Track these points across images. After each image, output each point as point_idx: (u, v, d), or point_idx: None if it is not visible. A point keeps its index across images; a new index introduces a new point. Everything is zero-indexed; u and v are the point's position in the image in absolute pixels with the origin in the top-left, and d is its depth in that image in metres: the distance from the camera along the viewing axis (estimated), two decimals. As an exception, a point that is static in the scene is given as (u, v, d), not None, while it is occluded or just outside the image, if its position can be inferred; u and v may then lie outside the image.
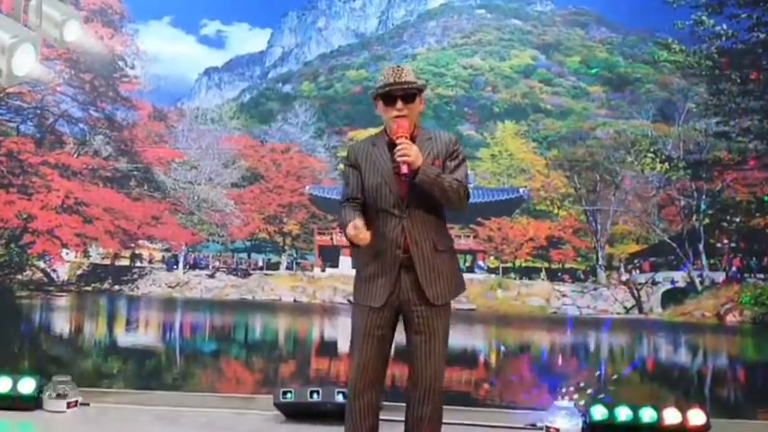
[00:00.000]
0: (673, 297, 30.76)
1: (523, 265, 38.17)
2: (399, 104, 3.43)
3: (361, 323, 3.57)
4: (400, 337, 3.71)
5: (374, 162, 3.51)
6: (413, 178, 3.30)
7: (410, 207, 3.45)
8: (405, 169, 3.25)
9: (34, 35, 3.67)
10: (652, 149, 27.66)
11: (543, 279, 37.53)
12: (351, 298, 3.75)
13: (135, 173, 38.65)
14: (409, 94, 3.47)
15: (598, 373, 9.88)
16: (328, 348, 13.47)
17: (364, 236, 3.32)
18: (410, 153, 3.27)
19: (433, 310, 3.48)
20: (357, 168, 3.56)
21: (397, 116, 3.43)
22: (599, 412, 6.40)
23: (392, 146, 3.42)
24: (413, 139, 3.44)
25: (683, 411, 6.37)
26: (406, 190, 3.35)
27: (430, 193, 3.37)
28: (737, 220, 15.04)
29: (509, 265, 37.31)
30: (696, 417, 6.35)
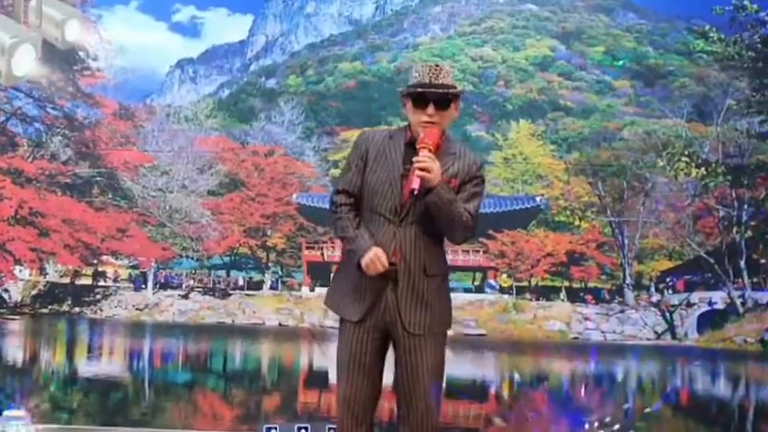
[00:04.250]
0: (710, 320, 30.70)
1: (540, 283, 37.95)
2: (431, 110, 3.38)
3: (345, 348, 3.54)
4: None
5: (386, 156, 3.46)
6: (424, 196, 3.27)
7: (408, 217, 3.42)
8: (416, 184, 3.22)
9: (34, 35, 3.84)
10: (687, 152, 27.55)
11: (563, 300, 37.54)
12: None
13: (98, 179, 38.53)
14: (444, 99, 3.43)
15: (625, 406, 9.90)
16: (318, 379, 13.47)
17: (380, 267, 3.35)
18: (431, 168, 3.23)
19: (420, 336, 3.47)
20: (364, 160, 3.54)
21: (427, 122, 3.39)
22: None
23: (412, 145, 3.40)
24: (437, 148, 3.42)
25: (723, 451, 6.37)
26: (410, 197, 3.32)
27: (434, 213, 3.36)
28: (785, 232, 15.02)
29: (524, 284, 37.04)
30: (737, 457, 6.36)
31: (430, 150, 3.19)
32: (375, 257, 3.29)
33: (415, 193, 3.18)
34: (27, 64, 3.81)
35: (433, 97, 3.31)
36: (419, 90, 3.32)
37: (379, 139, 3.49)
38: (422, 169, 3.15)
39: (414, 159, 3.19)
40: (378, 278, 3.33)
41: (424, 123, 3.32)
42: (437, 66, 3.38)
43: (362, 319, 3.38)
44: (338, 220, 3.48)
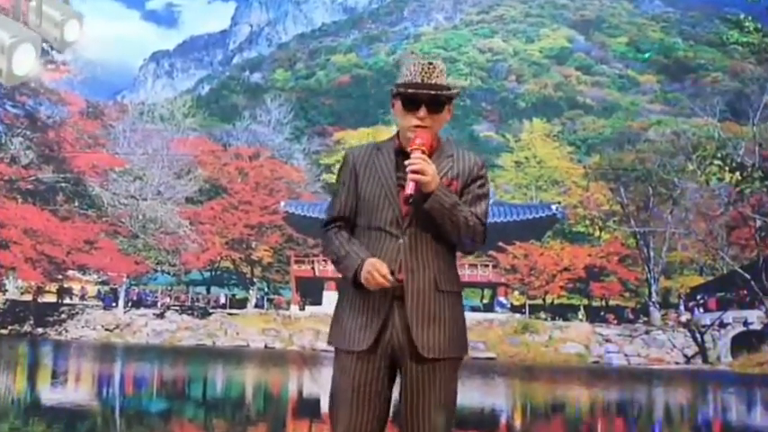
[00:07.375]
0: (746, 342, 30.85)
1: (556, 301, 38.28)
2: (422, 112, 3.35)
3: (347, 376, 3.48)
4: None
5: (376, 169, 3.43)
6: (422, 202, 3.23)
7: (412, 227, 3.38)
8: (411, 189, 3.18)
9: (34, 35, 4.08)
10: (719, 155, 27.80)
11: (581, 320, 37.75)
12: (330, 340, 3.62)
13: (63, 185, 38.75)
14: (438, 100, 3.40)
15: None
16: (308, 407, 13.47)
17: (381, 279, 3.24)
18: (426, 171, 3.19)
19: (433, 361, 3.42)
20: (354, 176, 3.50)
21: (418, 126, 3.36)
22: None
23: (402, 153, 3.37)
24: (431, 150, 3.38)
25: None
26: (407, 204, 3.29)
27: (438, 220, 3.32)
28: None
29: (538, 301, 37.36)
30: (776, 495, 6.36)
31: (423, 152, 3.16)
32: (372, 269, 3.14)
33: (411, 198, 3.14)
34: (27, 63, 4.01)
35: (426, 99, 3.26)
36: (411, 91, 3.28)
37: (366, 152, 3.44)
38: (415, 171, 3.11)
39: (406, 162, 3.16)
40: (383, 298, 3.28)
41: (413, 127, 3.28)
42: (431, 64, 3.33)
43: (370, 347, 3.32)
44: (328, 241, 3.41)
